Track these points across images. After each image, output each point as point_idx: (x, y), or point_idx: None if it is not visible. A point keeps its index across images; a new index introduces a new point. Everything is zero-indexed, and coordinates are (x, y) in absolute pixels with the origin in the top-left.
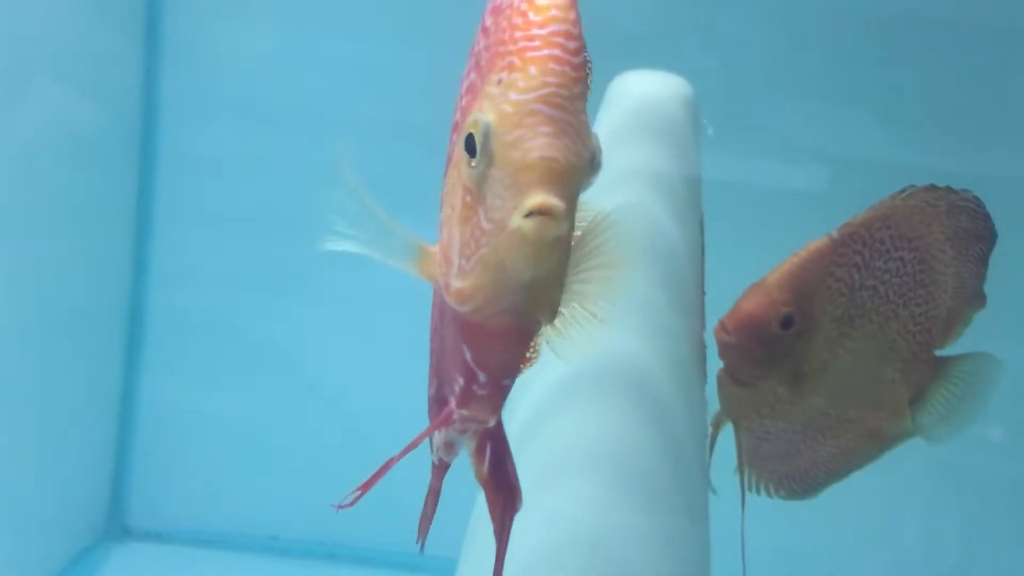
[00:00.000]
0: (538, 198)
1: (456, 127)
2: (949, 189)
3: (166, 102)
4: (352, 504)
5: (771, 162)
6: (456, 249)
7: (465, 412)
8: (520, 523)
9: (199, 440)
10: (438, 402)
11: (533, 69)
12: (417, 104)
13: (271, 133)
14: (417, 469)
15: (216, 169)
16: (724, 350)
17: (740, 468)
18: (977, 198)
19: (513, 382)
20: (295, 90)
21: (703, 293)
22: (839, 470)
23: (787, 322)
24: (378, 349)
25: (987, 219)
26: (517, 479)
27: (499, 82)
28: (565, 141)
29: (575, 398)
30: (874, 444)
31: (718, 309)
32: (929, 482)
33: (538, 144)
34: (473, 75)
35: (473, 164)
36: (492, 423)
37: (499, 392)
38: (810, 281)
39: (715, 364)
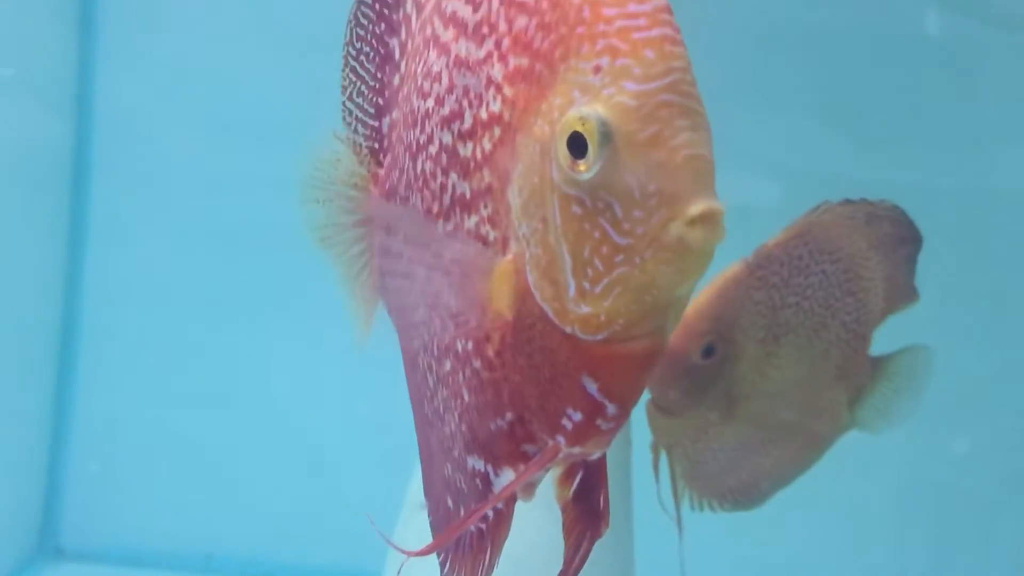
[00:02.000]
0: (701, 204)
1: (500, 123)
2: (866, 201)
3: (102, 114)
4: (421, 553)
5: (725, 174)
6: (569, 269)
7: (578, 449)
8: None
9: (133, 458)
10: (512, 439)
11: (650, 53)
12: None
13: (214, 145)
14: (357, 486)
15: (153, 183)
16: (649, 383)
17: (675, 495)
18: (896, 206)
19: None
20: (239, 102)
21: None
22: (783, 478)
23: (708, 351)
24: (322, 366)
25: (910, 224)
26: (608, 505)
27: (596, 69)
28: (703, 135)
29: None
30: (815, 447)
31: None
32: (896, 496)
33: (683, 141)
34: (515, 60)
35: (583, 168)
36: (599, 456)
37: (624, 422)
38: (729, 308)
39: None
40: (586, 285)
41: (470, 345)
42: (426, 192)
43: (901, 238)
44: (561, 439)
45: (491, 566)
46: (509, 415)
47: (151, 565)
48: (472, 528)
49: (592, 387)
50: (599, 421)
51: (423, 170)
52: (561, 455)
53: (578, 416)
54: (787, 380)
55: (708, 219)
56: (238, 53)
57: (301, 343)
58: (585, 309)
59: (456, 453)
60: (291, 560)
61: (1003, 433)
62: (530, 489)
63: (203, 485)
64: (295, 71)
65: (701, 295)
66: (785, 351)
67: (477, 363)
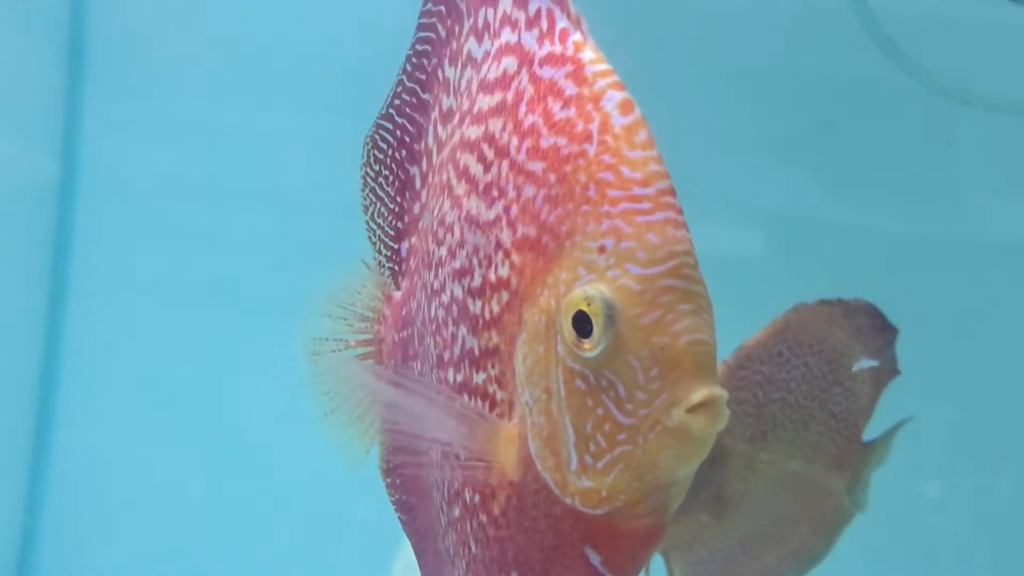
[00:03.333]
0: (702, 391)
1: (508, 289)
2: (841, 300)
3: (85, 173)
4: None
5: (708, 223)
6: (571, 442)
7: None
8: None
9: (112, 501)
10: None
11: (653, 237)
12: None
13: (192, 200)
14: (352, 539)
15: (134, 235)
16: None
17: None
18: (870, 304)
19: None
20: (217, 160)
21: None
22: (793, 571)
23: None
24: (304, 413)
25: (883, 317)
26: None
27: (601, 249)
28: (705, 318)
29: None
30: (820, 538)
31: None
32: (870, 541)
33: (685, 327)
34: (523, 228)
35: (588, 347)
36: None
37: None
38: None
39: None
40: (588, 459)
41: (477, 498)
42: (438, 338)
43: (878, 328)
44: None
45: None
46: (514, 574)
47: None
48: None
49: (595, 560)
50: None
51: (436, 315)
52: None
53: None
54: (780, 475)
55: (710, 406)
56: (220, 116)
57: (288, 394)
58: (587, 483)
59: None
60: None
61: (973, 475)
62: None
63: (184, 530)
64: (286, 121)
65: None
66: (774, 446)
67: (483, 517)
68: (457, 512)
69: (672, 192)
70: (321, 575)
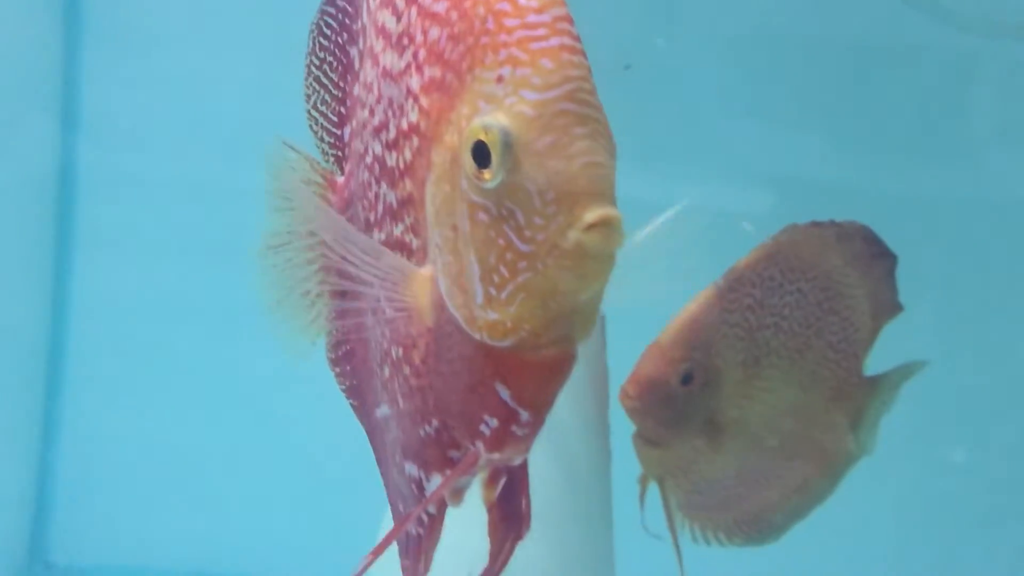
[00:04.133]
0: (597, 210)
1: (418, 133)
2: (834, 222)
3: (87, 126)
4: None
5: (719, 184)
6: (477, 276)
7: (497, 455)
8: None
9: (124, 473)
10: (438, 445)
11: (547, 62)
12: None
13: (200, 156)
14: (351, 500)
15: (140, 193)
16: (632, 415)
17: (671, 526)
18: (866, 226)
19: None
20: (227, 113)
21: (602, 316)
22: (797, 509)
23: (687, 378)
24: (315, 380)
25: (881, 242)
26: (529, 508)
27: (499, 79)
28: (602, 142)
29: None
30: (825, 476)
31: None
32: (897, 510)
33: (579, 149)
34: (429, 71)
35: (488, 177)
36: (520, 461)
37: (539, 428)
38: (704, 333)
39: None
40: (492, 291)
41: (401, 352)
42: (365, 201)
43: (875, 254)
44: (480, 445)
45: (425, 569)
46: (435, 422)
47: None
48: (411, 531)
49: (505, 394)
50: (514, 428)
51: (362, 179)
52: (482, 461)
53: (494, 423)
54: (777, 403)
55: (605, 225)
56: (224, 62)
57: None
58: (492, 315)
59: (397, 458)
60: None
61: (1000, 441)
62: (458, 495)
63: (195, 502)
64: (284, 81)
65: (675, 321)
66: (769, 373)
67: (407, 370)
68: (388, 372)
69: (569, 20)
70: (330, 545)
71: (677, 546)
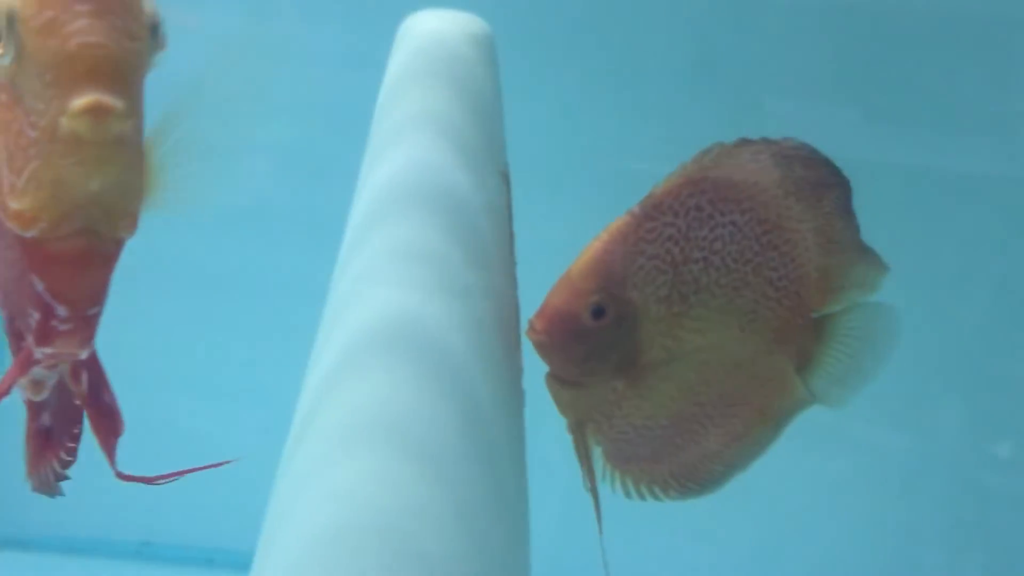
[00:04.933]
0: (86, 97)
1: None
2: (767, 140)
3: None
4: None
5: None
6: (4, 163)
7: (49, 350)
8: (305, 500)
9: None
10: (13, 336)
11: None
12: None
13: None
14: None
15: None
16: (540, 351)
17: (589, 476)
18: (806, 144)
19: (102, 310)
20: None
21: (513, 251)
22: (737, 459)
23: (598, 311)
24: (253, 342)
25: (828, 164)
26: (115, 403)
27: None
28: (111, 20)
29: (364, 366)
30: (768, 423)
31: None
32: (947, 507)
33: (77, 28)
34: None
35: (0, 55)
36: (84, 356)
37: (86, 324)
38: (617, 264)
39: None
40: (14, 180)
41: None
42: None
43: (821, 182)
44: (31, 339)
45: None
46: (5, 312)
47: (84, 552)
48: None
49: (40, 287)
50: (54, 322)
51: None
52: (38, 355)
53: (37, 316)
54: (712, 345)
55: (95, 110)
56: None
57: (237, 323)
58: (16, 205)
59: None
60: (236, 546)
61: None
62: (38, 387)
63: (137, 469)
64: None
65: (585, 251)
66: (700, 312)
67: None
68: None
69: None
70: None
71: (595, 494)
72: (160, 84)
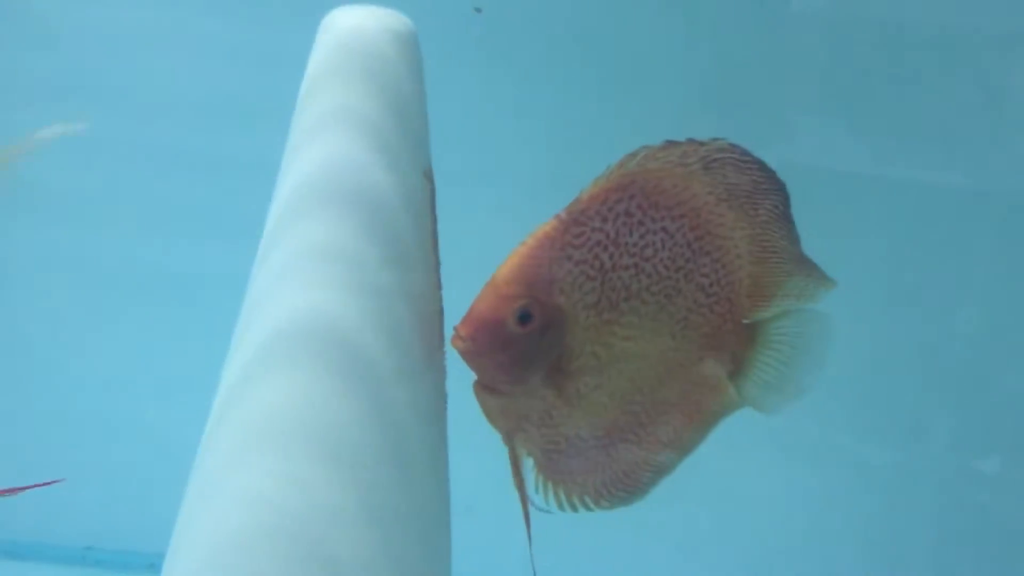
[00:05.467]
0: None
1: None
2: (695, 141)
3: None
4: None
5: None
6: None
7: None
8: (213, 502)
9: (2, 442)
10: None
11: None
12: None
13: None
14: None
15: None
16: (465, 358)
17: (518, 486)
18: (738, 146)
19: None
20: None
21: (435, 251)
22: (666, 465)
23: (524, 317)
24: (172, 341)
25: (762, 168)
26: None
27: None
28: None
29: (275, 365)
30: (698, 429)
31: None
32: (935, 523)
33: None
34: None
35: None
36: None
37: None
38: (542, 269)
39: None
40: None
41: None
42: None
43: (756, 188)
44: None
45: None
46: None
47: (24, 557)
48: None
49: None
50: None
51: None
52: None
53: None
54: (641, 352)
55: None
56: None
57: (164, 330)
58: None
59: None
60: None
61: None
62: None
63: (79, 472)
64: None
65: (511, 256)
66: (630, 320)
67: None
68: None
69: None
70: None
71: (525, 505)
72: (67, 78)
